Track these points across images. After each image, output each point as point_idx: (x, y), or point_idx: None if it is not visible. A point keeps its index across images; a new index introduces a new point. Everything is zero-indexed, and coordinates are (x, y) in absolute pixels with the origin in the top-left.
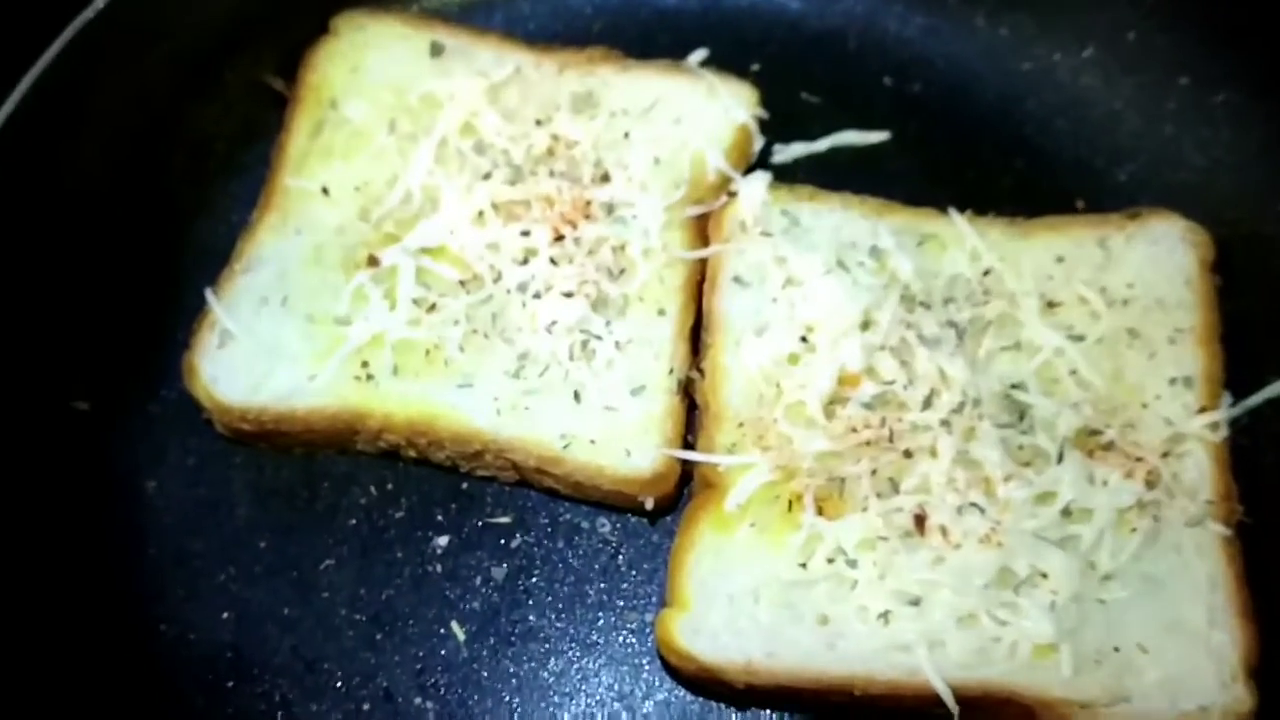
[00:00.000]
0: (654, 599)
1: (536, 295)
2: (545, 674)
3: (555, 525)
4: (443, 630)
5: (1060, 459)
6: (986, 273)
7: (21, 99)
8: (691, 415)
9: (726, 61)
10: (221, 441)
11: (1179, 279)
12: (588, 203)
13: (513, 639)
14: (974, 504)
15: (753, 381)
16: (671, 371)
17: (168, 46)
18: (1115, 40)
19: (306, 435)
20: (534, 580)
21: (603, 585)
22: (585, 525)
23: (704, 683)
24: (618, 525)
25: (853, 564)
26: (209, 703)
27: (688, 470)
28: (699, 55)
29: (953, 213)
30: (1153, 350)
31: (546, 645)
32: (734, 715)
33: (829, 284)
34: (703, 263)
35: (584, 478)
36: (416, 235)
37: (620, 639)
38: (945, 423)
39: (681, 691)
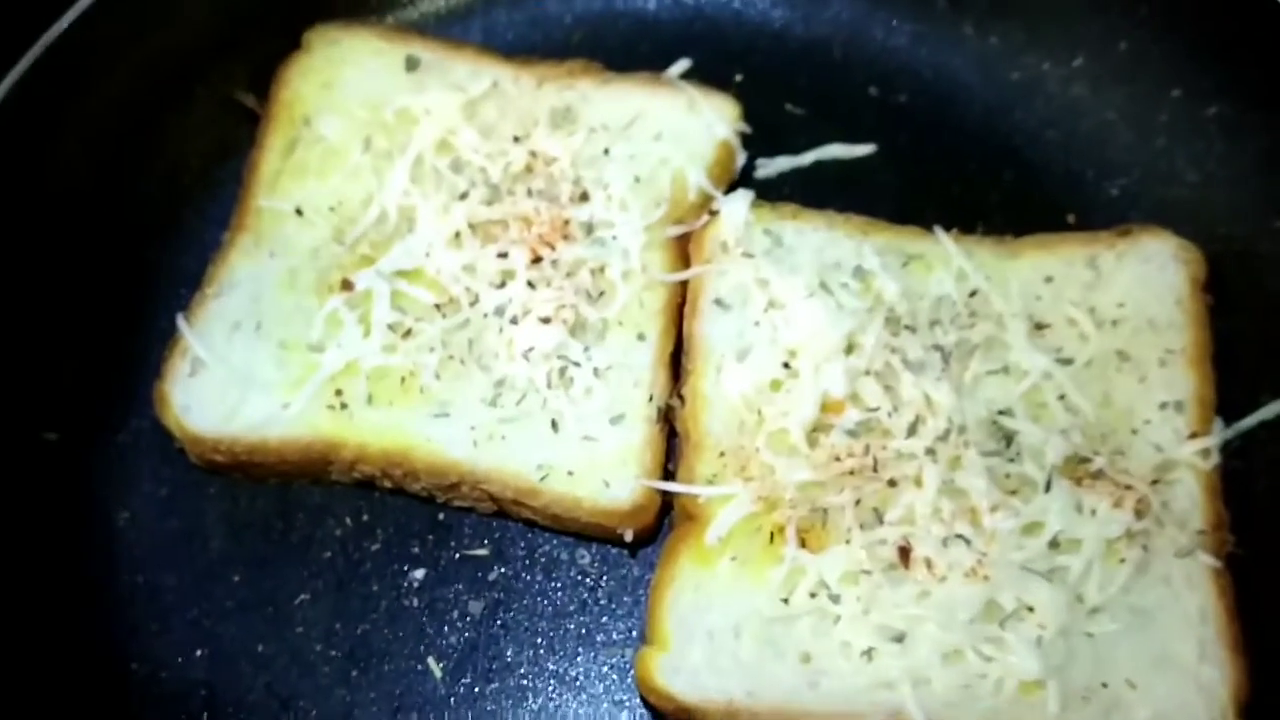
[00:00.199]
0: (634, 633)
1: (514, 320)
2: (523, 712)
3: (534, 557)
4: (419, 667)
5: (1048, 488)
6: (973, 293)
7: None
8: (672, 444)
9: (709, 72)
10: (195, 471)
11: (1170, 298)
12: (566, 222)
13: (490, 675)
14: (959, 535)
15: (734, 409)
16: (651, 399)
17: (136, 62)
18: (1107, 50)
19: (280, 466)
20: (512, 615)
21: (583, 619)
22: (564, 557)
23: None
24: (597, 556)
25: (836, 598)
26: None
27: (668, 500)
28: (681, 66)
29: (939, 232)
30: (1143, 373)
31: (525, 682)
32: None
33: (812, 307)
34: (683, 285)
35: (561, 510)
36: (391, 257)
37: (600, 676)
38: (930, 451)
39: None
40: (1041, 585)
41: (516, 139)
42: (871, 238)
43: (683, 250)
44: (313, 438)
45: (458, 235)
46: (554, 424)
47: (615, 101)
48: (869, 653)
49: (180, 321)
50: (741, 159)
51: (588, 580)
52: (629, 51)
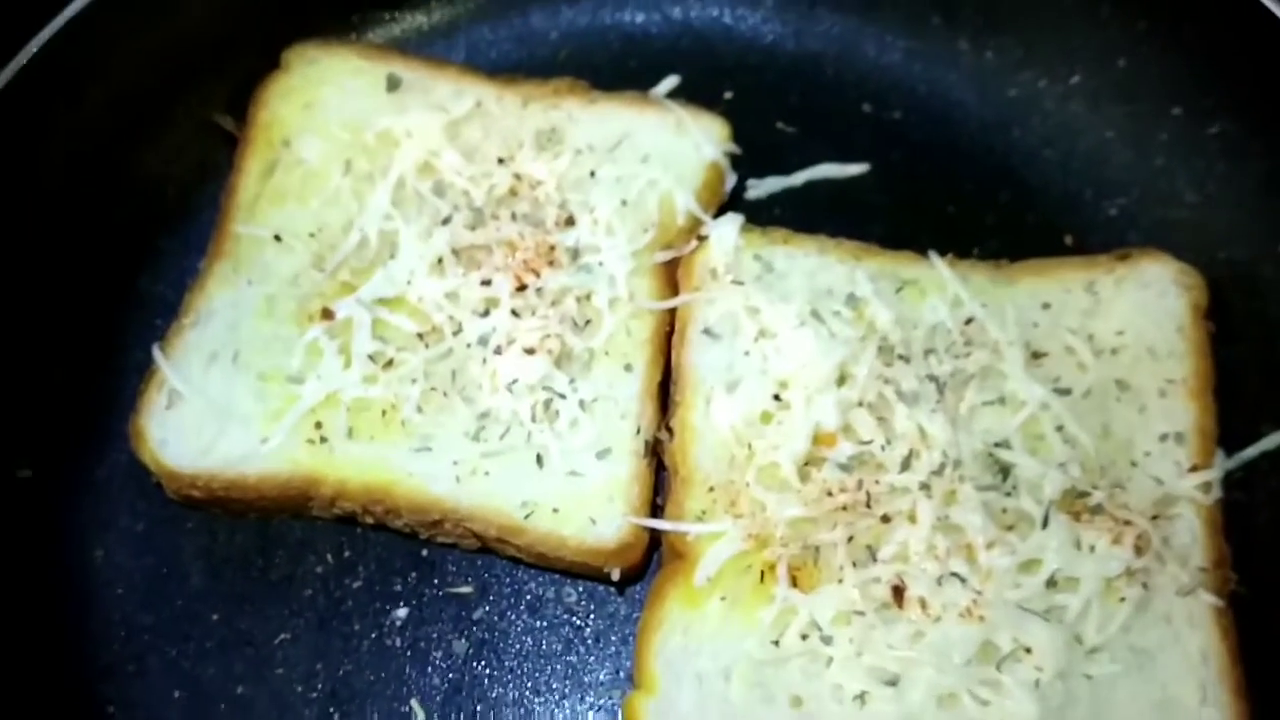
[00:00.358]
0: (621, 674)
1: (498, 350)
2: None
3: (519, 595)
4: (403, 708)
5: (1045, 523)
6: (969, 321)
7: None
8: (660, 478)
9: (698, 89)
10: (172, 507)
11: (1170, 326)
12: (551, 248)
13: (475, 717)
14: (955, 573)
15: (724, 442)
16: (639, 432)
17: (110, 85)
18: (1105, 66)
19: (259, 502)
20: (497, 655)
21: (569, 659)
22: (550, 595)
23: None
24: (584, 594)
25: (828, 640)
26: None
27: (657, 536)
28: (669, 83)
29: (934, 257)
30: (1142, 403)
31: None
32: None
33: (803, 336)
34: (671, 313)
35: (546, 548)
36: (372, 285)
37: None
38: (925, 485)
39: None
40: (1039, 625)
41: (501, 161)
42: (864, 263)
43: (670, 277)
44: (292, 473)
45: (440, 261)
46: (539, 458)
47: (602, 122)
48: (861, 696)
49: (156, 353)
50: (731, 180)
51: (574, 619)
52: (617, 68)
